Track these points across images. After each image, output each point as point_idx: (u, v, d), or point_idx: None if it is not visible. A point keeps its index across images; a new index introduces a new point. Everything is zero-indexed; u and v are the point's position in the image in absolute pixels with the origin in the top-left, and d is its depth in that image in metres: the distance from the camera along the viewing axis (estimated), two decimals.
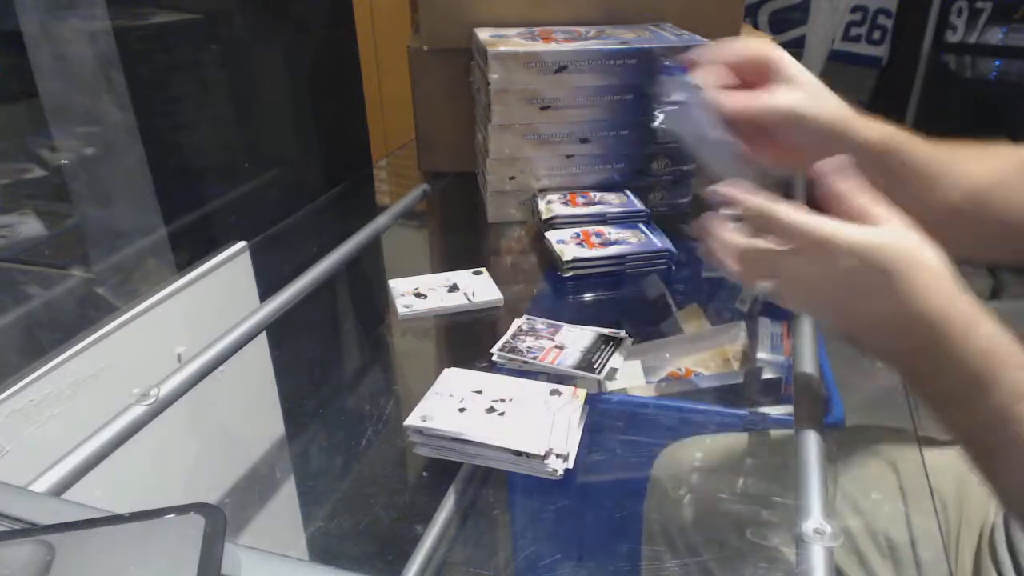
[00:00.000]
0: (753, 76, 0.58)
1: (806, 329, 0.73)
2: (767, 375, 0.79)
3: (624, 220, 1.00)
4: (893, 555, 0.64)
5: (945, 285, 0.44)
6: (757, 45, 0.59)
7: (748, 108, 0.57)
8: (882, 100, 2.49)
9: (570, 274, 0.91)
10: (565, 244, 0.94)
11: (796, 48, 2.46)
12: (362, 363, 0.98)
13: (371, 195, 1.39)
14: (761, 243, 0.48)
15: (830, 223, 0.45)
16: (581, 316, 0.80)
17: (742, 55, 0.58)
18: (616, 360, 0.71)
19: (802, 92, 0.57)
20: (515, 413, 0.62)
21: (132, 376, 0.66)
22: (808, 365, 0.66)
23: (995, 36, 2.31)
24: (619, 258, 0.92)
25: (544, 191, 1.06)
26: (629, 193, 1.05)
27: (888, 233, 0.45)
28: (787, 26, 2.45)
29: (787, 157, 0.59)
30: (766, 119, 0.57)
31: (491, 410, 0.62)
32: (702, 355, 0.87)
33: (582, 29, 1.08)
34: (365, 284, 1.04)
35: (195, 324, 0.87)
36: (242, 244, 0.99)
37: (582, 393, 0.65)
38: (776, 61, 0.58)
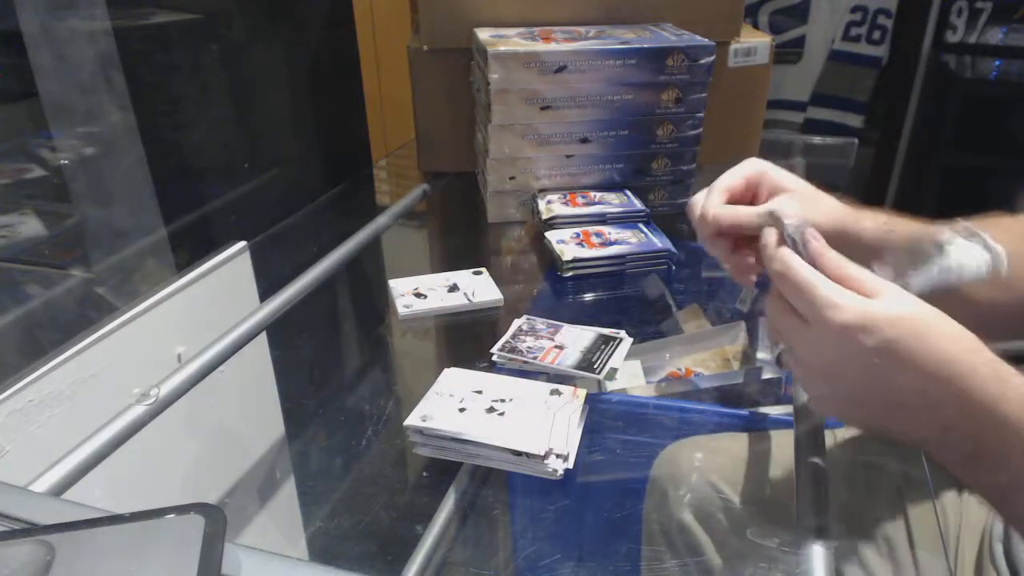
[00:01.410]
0: (749, 195, 0.58)
1: None
2: (767, 375, 0.79)
3: (624, 220, 1.00)
4: (892, 556, 0.64)
5: (966, 342, 0.40)
6: (745, 166, 0.58)
7: (738, 218, 0.55)
8: (882, 100, 2.49)
9: (570, 274, 0.91)
10: (565, 244, 0.94)
11: (796, 48, 2.46)
12: (362, 363, 0.98)
13: (371, 195, 1.39)
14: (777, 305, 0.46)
15: (831, 295, 0.42)
16: (581, 316, 0.80)
17: (734, 180, 0.58)
18: (616, 360, 0.71)
19: (794, 198, 0.56)
20: (515, 413, 0.62)
21: (132, 376, 0.66)
22: None
23: (995, 36, 2.31)
24: (619, 258, 0.92)
25: (544, 191, 1.06)
26: (629, 193, 1.05)
27: (889, 303, 0.41)
28: (787, 26, 2.45)
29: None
30: (748, 228, 0.55)
31: (491, 410, 0.62)
32: (702, 355, 0.87)
33: (582, 29, 1.08)
34: (365, 284, 1.04)
35: (195, 324, 0.87)
36: (242, 244, 0.99)
37: (582, 393, 0.65)
38: (765, 175, 0.58)
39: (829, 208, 0.57)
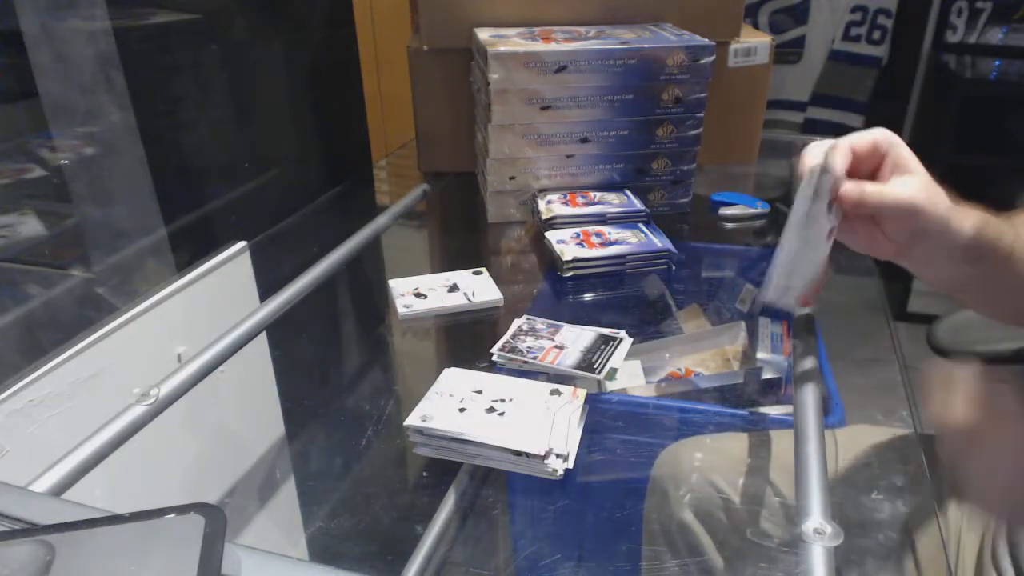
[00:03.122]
0: (872, 162, 0.57)
1: (806, 329, 0.73)
2: (767, 375, 0.79)
3: (624, 220, 1.00)
4: (892, 556, 0.64)
5: None
6: (876, 134, 0.57)
7: (868, 199, 0.54)
8: (882, 100, 2.49)
9: (570, 274, 0.91)
10: (565, 244, 0.94)
11: (796, 48, 2.46)
12: (362, 363, 0.98)
13: (371, 195, 1.39)
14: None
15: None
16: (581, 316, 0.80)
17: (864, 142, 0.56)
18: (616, 360, 0.71)
19: (920, 184, 0.54)
20: (515, 413, 0.62)
21: (132, 376, 0.66)
22: (808, 365, 0.66)
23: (995, 36, 2.31)
24: (619, 258, 0.92)
25: (544, 191, 1.06)
26: (629, 193, 1.05)
27: None
28: (787, 26, 2.45)
29: (881, 245, 0.57)
30: (884, 210, 0.55)
31: (491, 410, 0.62)
32: (702, 355, 0.87)
33: (582, 29, 1.08)
34: (365, 284, 1.04)
35: (195, 324, 0.87)
36: (242, 244, 0.99)
37: (582, 393, 0.65)
38: (895, 148, 0.56)
39: (946, 200, 0.55)
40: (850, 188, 0.54)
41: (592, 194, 1.05)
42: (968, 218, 0.55)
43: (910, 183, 0.54)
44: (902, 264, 0.59)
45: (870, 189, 0.54)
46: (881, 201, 0.54)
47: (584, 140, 1.03)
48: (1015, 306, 0.58)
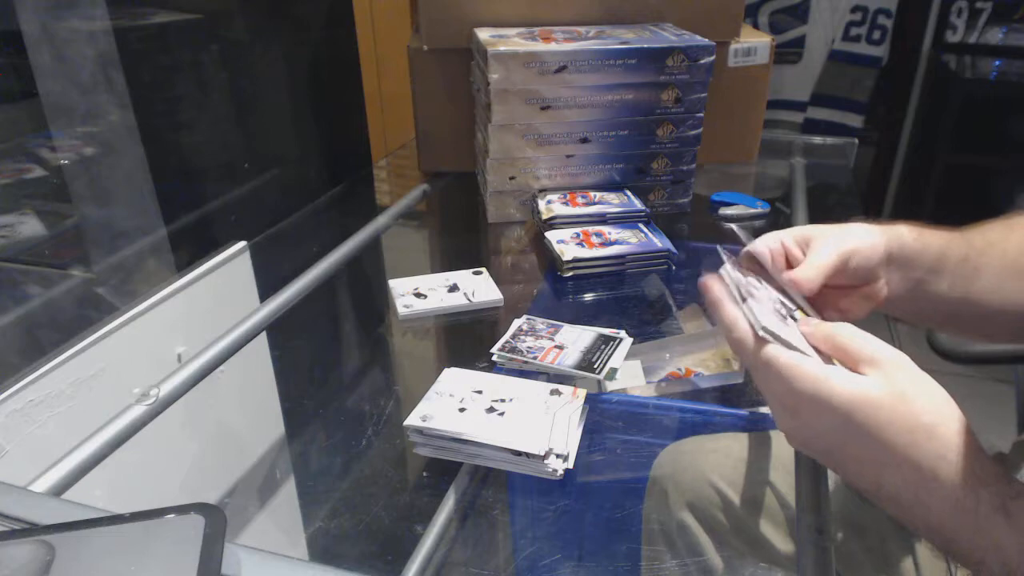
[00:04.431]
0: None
1: None
2: None
3: (624, 220, 1.00)
4: (892, 556, 0.64)
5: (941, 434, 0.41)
6: (797, 229, 0.57)
7: (807, 275, 0.53)
8: (882, 100, 2.49)
9: (570, 274, 0.91)
10: (565, 244, 0.94)
11: (796, 48, 2.46)
12: (362, 363, 0.98)
13: (371, 195, 1.39)
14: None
15: (818, 376, 0.43)
16: (581, 316, 0.80)
17: (791, 237, 0.56)
18: (616, 360, 0.71)
19: (846, 234, 0.54)
20: (515, 413, 0.62)
21: (132, 376, 0.66)
22: None
23: (995, 36, 2.31)
24: (619, 258, 0.92)
25: (544, 191, 1.06)
26: (629, 193, 1.05)
27: (878, 382, 0.42)
28: (787, 26, 2.45)
29: (858, 303, 0.57)
30: (832, 270, 0.54)
31: (491, 410, 0.62)
32: (702, 355, 0.87)
33: (582, 29, 1.08)
34: (365, 284, 1.04)
35: (195, 324, 0.87)
36: (242, 244, 0.99)
37: (582, 393, 0.65)
38: (811, 231, 0.56)
39: (882, 230, 0.55)
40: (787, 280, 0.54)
41: (592, 194, 1.05)
42: (935, 237, 0.55)
43: (822, 246, 0.54)
44: (912, 320, 0.60)
45: (798, 275, 0.53)
46: (815, 275, 0.53)
47: (584, 140, 1.03)
48: (986, 324, 0.58)
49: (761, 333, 0.46)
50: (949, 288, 0.55)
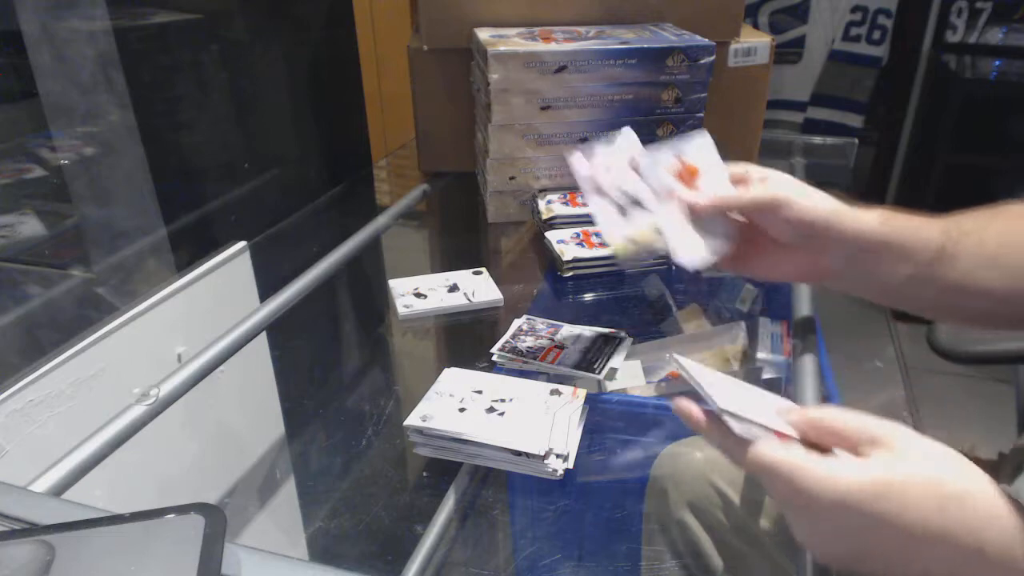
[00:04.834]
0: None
1: (806, 329, 0.73)
2: (767, 375, 0.79)
3: None
4: None
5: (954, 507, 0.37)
6: (741, 166, 0.59)
7: (726, 199, 0.56)
8: (882, 100, 2.49)
9: (570, 274, 0.91)
10: (565, 244, 0.94)
11: (796, 48, 2.46)
12: (362, 363, 0.98)
13: (371, 195, 1.39)
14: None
15: (822, 471, 0.39)
16: (581, 316, 0.80)
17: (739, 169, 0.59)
18: (616, 360, 0.71)
19: (787, 184, 0.56)
20: (515, 413, 0.62)
21: (132, 376, 0.66)
22: (808, 365, 0.66)
23: (995, 36, 2.31)
24: None
25: (544, 191, 1.06)
26: None
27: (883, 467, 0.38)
28: (787, 26, 2.45)
29: (795, 261, 0.58)
30: (751, 209, 0.57)
31: (491, 410, 0.62)
32: (702, 355, 0.87)
33: (582, 29, 1.08)
34: (365, 284, 1.04)
35: (195, 324, 0.87)
36: (242, 244, 0.99)
37: (582, 393, 0.65)
38: (746, 168, 0.58)
39: (823, 198, 0.56)
40: (700, 195, 0.56)
41: None
42: (867, 218, 0.54)
43: (774, 183, 0.56)
44: (835, 286, 0.60)
45: (727, 193, 0.56)
46: (739, 200, 0.56)
47: (584, 140, 1.03)
48: (948, 305, 0.56)
49: (724, 417, 0.42)
50: (915, 273, 0.54)
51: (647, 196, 0.60)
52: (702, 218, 0.59)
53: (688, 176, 0.60)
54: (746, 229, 0.60)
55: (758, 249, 0.60)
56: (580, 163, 0.64)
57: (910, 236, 0.53)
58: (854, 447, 0.40)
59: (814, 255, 0.57)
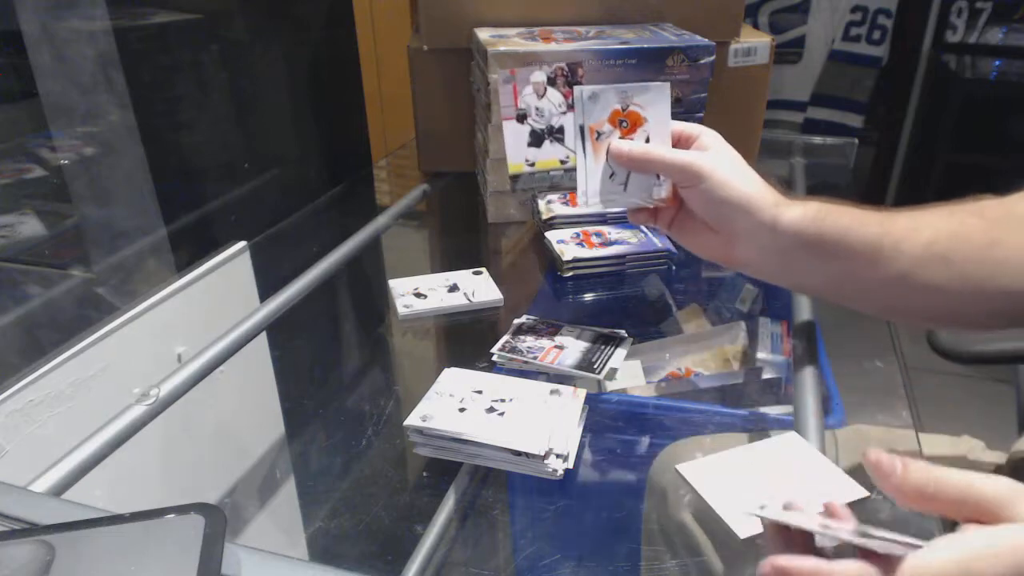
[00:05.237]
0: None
1: (806, 329, 0.73)
2: (767, 375, 0.79)
3: (624, 220, 1.00)
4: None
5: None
6: (686, 123, 0.59)
7: (647, 155, 0.56)
8: (882, 100, 2.50)
9: (570, 274, 0.91)
10: (565, 244, 0.94)
11: (796, 48, 2.46)
12: (362, 363, 0.98)
13: (371, 195, 1.39)
14: None
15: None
16: (581, 316, 0.80)
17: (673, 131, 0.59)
18: (616, 360, 0.71)
19: (718, 159, 0.55)
20: (515, 413, 0.62)
21: (132, 376, 0.66)
22: (808, 365, 0.66)
23: (995, 36, 2.32)
24: (619, 258, 0.92)
25: (544, 191, 1.06)
26: None
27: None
28: (787, 26, 2.45)
29: (708, 239, 0.58)
30: (670, 172, 0.56)
31: (491, 410, 0.62)
32: (702, 355, 0.87)
33: (582, 29, 1.08)
34: (365, 284, 1.04)
35: (195, 324, 0.87)
36: (242, 244, 0.99)
37: (582, 393, 0.65)
38: (701, 132, 0.58)
39: (753, 180, 0.55)
40: (624, 143, 0.56)
41: None
42: (796, 210, 0.53)
43: (703, 153, 0.55)
44: (745, 270, 0.59)
45: (652, 148, 0.56)
46: (661, 158, 0.56)
47: None
48: (885, 303, 0.56)
49: (857, 542, 0.36)
50: (850, 270, 0.53)
51: (569, 130, 0.60)
52: (626, 168, 0.59)
53: (631, 123, 0.59)
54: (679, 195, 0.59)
55: (687, 219, 0.59)
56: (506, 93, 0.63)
57: (842, 233, 0.52)
58: (982, 516, 0.34)
59: (726, 238, 0.56)
